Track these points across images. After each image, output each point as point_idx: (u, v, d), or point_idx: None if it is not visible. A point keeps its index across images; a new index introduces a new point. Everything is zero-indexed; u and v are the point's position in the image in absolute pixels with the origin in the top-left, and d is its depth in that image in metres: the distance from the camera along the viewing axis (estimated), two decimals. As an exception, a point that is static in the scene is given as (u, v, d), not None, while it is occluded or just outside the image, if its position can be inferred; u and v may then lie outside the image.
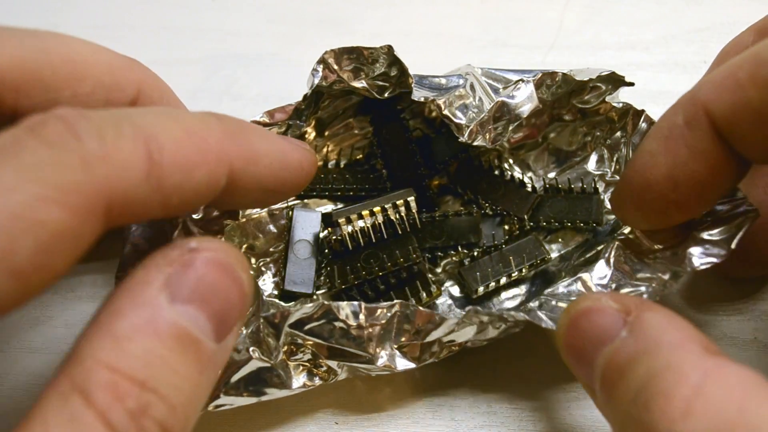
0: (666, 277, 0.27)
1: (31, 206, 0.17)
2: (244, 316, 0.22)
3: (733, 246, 0.26)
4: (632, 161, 0.25)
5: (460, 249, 0.31)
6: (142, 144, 0.19)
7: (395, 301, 0.26)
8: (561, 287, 0.28)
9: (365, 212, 0.30)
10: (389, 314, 0.26)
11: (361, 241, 0.30)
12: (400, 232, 0.30)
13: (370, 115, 0.33)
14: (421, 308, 0.26)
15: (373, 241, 0.30)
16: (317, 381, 0.27)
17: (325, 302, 0.25)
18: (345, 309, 0.26)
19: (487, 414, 0.28)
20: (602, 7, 0.40)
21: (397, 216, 0.30)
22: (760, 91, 0.22)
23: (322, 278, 0.31)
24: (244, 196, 0.23)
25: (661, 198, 0.24)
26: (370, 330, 0.26)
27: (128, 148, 0.19)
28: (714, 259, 0.26)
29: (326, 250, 0.31)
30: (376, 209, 0.30)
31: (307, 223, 0.31)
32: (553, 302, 0.28)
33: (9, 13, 0.39)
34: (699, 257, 0.26)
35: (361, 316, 0.26)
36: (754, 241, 0.26)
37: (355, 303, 0.26)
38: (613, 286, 0.28)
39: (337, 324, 0.26)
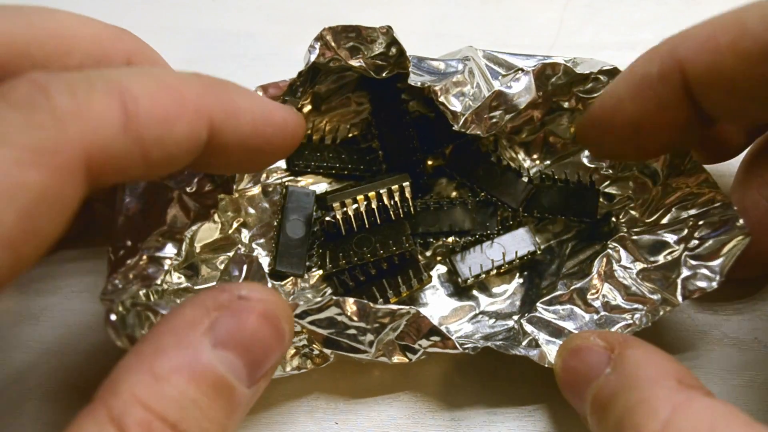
0: (656, 298, 0.27)
1: (7, 172, 0.17)
2: (278, 364, 0.23)
3: (722, 278, 0.26)
4: (600, 100, 0.26)
5: (453, 237, 0.31)
6: (116, 97, 0.19)
7: (407, 307, 0.26)
8: (553, 302, 0.29)
9: (360, 197, 0.30)
10: (397, 319, 0.26)
11: (355, 225, 0.30)
12: (394, 218, 0.30)
13: (369, 94, 0.33)
14: (434, 324, 0.26)
15: (367, 226, 0.30)
16: (309, 365, 0.27)
17: (333, 297, 0.25)
18: (352, 306, 0.25)
19: (487, 414, 0.28)
20: (602, 7, 0.40)
21: (392, 202, 0.30)
22: (738, 61, 0.22)
23: (313, 259, 0.31)
24: (228, 155, 0.23)
25: (622, 139, 0.25)
26: (373, 327, 0.26)
27: (102, 101, 0.19)
28: (705, 287, 0.27)
29: (318, 232, 0.31)
30: (371, 194, 0.30)
31: (301, 202, 0.31)
32: (544, 318, 0.29)
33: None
34: (691, 286, 0.27)
35: (368, 317, 0.26)
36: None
37: (364, 302, 0.25)
38: (605, 303, 0.28)
39: (341, 318, 0.26)
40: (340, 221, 0.30)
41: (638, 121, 0.24)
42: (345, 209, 0.30)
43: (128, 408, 0.19)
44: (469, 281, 0.31)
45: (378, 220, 0.30)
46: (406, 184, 0.30)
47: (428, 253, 0.32)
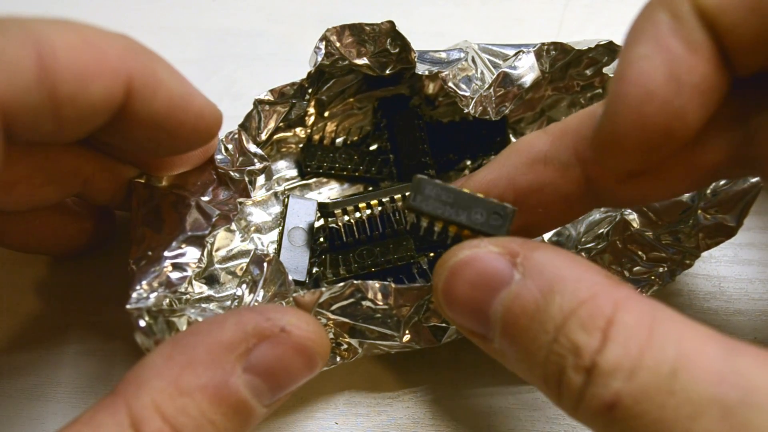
0: (676, 255, 0.28)
1: None
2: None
3: (739, 226, 0.27)
4: (622, 73, 0.20)
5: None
6: (32, 46, 0.18)
7: (428, 284, 0.26)
8: None
9: (362, 204, 0.30)
10: (421, 295, 0.26)
11: (356, 233, 0.30)
12: (396, 226, 0.30)
13: (378, 100, 0.33)
14: None
15: (368, 234, 0.30)
16: (338, 360, 0.27)
17: (355, 281, 0.25)
18: (375, 288, 0.26)
19: (488, 414, 0.28)
20: (602, 7, 0.40)
21: (394, 211, 0.30)
22: None
23: (315, 269, 0.31)
24: (138, 128, 0.22)
25: (663, 108, 0.20)
26: (398, 311, 0.26)
27: (16, 48, 0.18)
28: (723, 237, 0.27)
29: (321, 239, 0.31)
30: (373, 202, 0.30)
31: (303, 211, 0.31)
32: None
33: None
34: (710, 238, 0.27)
35: (391, 298, 0.26)
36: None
37: (386, 283, 0.26)
38: (625, 266, 0.28)
39: (365, 303, 0.26)
40: (342, 227, 0.30)
41: (673, 70, 0.19)
42: (347, 216, 0.30)
43: (148, 415, 0.19)
44: None
45: (380, 228, 0.30)
46: (408, 193, 0.30)
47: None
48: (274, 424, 0.28)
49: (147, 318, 0.23)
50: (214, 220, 0.26)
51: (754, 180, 0.27)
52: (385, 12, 0.40)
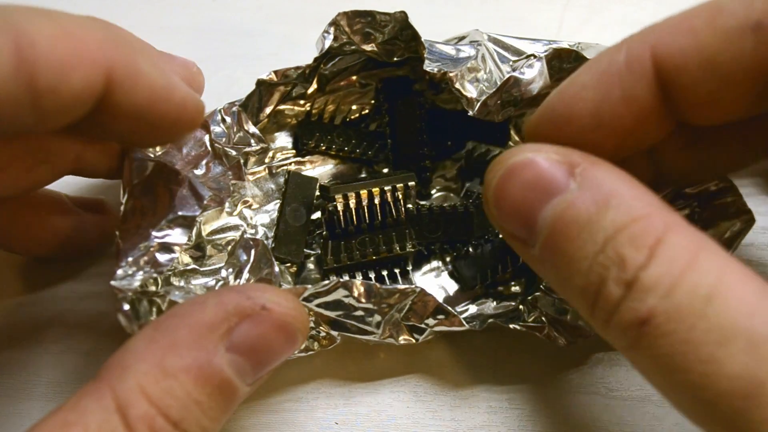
0: None
1: None
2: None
3: (732, 251, 0.26)
4: (560, 90, 0.23)
5: (457, 245, 0.31)
6: (10, 36, 0.18)
7: (413, 286, 0.26)
8: None
9: (363, 191, 0.29)
10: (403, 298, 0.26)
11: (354, 219, 0.30)
12: (395, 215, 0.30)
13: (381, 82, 0.33)
14: (440, 302, 0.26)
15: (368, 221, 0.30)
16: (316, 346, 0.27)
17: (341, 279, 0.25)
18: (359, 287, 0.26)
19: (487, 414, 0.28)
20: (602, 7, 0.40)
21: (395, 200, 0.30)
22: (716, 39, 0.20)
23: (313, 248, 0.31)
24: (119, 120, 0.22)
25: (578, 135, 0.22)
26: (380, 307, 0.26)
27: None
28: None
29: (321, 223, 0.31)
30: (375, 190, 0.30)
31: (303, 187, 0.31)
32: (549, 297, 0.28)
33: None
34: None
35: (374, 298, 0.26)
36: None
37: (371, 282, 0.26)
38: None
39: (348, 300, 0.26)
40: (341, 213, 0.29)
41: (600, 110, 0.21)
42: (347, 202, 0.29)
43: (133, 398, 0.19)
44: (476, 288, 0.30)
45: (379, 216, 0.30)
46: (411, 183, 0.30)
47: (436, 264, 0.32)
48: (274, 423, 0.28)
49: (131, 298, 0.23)
50: (205, 201, 0.26)
51: (746, 209, 0.27)
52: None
